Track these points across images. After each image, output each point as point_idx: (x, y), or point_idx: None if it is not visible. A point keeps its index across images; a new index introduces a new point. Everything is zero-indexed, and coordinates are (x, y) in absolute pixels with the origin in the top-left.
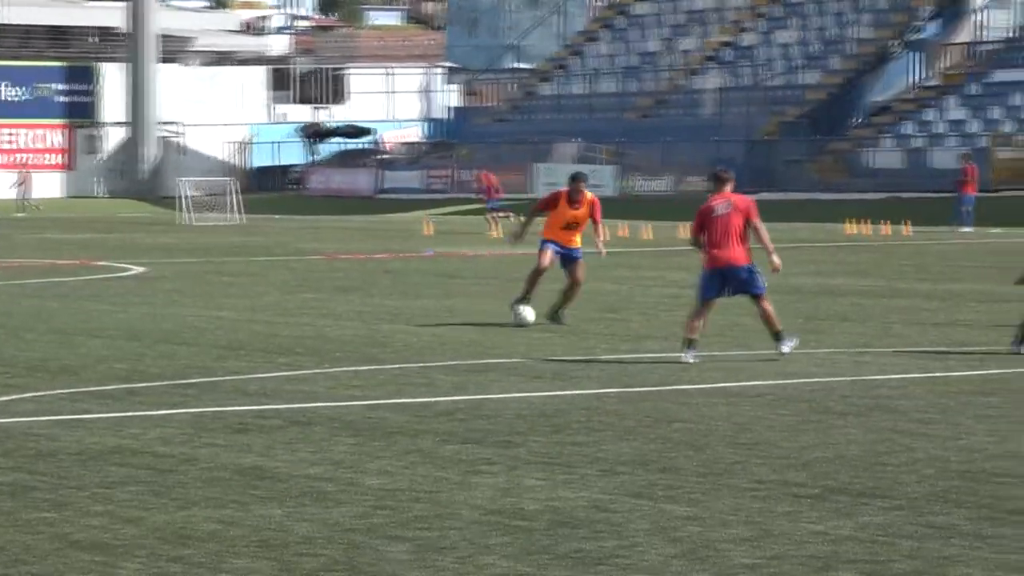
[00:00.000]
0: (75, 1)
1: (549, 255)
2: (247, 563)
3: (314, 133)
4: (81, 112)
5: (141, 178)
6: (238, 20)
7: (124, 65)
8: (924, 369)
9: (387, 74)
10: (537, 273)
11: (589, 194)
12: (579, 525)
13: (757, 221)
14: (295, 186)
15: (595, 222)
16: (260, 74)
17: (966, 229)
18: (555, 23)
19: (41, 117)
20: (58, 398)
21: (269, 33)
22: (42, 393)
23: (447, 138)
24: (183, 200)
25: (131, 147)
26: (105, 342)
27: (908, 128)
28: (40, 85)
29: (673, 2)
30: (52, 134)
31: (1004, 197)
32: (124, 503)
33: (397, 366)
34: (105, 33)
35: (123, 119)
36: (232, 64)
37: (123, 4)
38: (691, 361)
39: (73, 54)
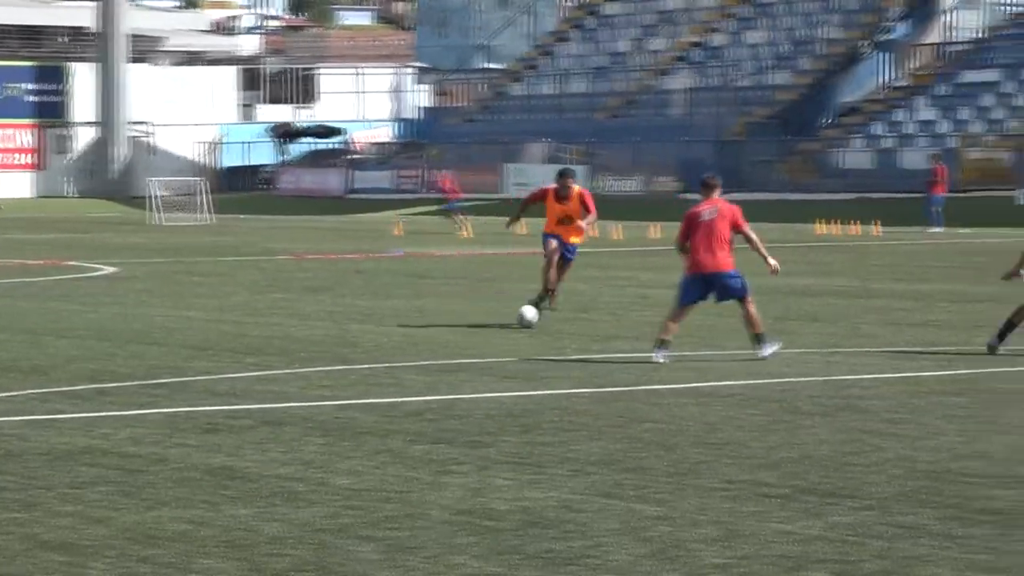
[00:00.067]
0: (45, 1)
1: (553, 244)
2: (216, 563)
3: (284, 133)
4: (51, 112)
5: (111, 178)
6: (208, 20)
7: (94, 65)
8: (894, 369)
9: (357, 74)
10: (549, 264)
11: (577, 188)
12: (549, 525)
13: (746, 229)
14: (265, 186)
15: (588, 211)
16: (230, 74)
17: (936, 229)
18: (525, 23)
19: (11, 117)
20: (28, 398)
21: (239, 33)
22: (12, 393)
23: (417, 138)
24: (153, 200)
25: (101, 147)
26: (75, 342)
27: (878, 128)
28: (10, 85)
29: (643, 2)
30: (22, 134)
31: (973, 197)
32: (93, 503)
33: (367, 366)
34: (75, 33)
35: (93, 119)
36: (202, 64)
37: (93, 4)
38: (661, 361)
39: (43, 54)
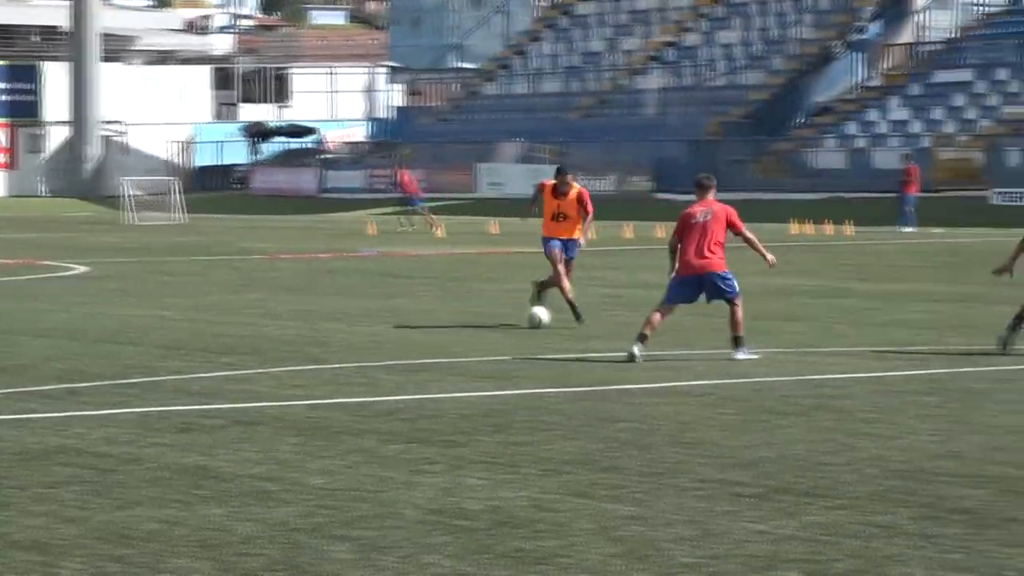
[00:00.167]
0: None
1: (556, 252)
2: (188, 563)
3: (257, 132)
4: (23, 111)
5: (84, 177)
6: (181, 19)
7: (67, 64)
8: (867, 369)
9: (330, 73)
10: (559, 276)
11: (576, 186)
12: (521, 524)
13: (743, 229)
14: (238, 185)
15: (585, 210)
16: (203, 73)
17: (908, 229)
18: (498, 23)
19: None
20: (0, 398)
21: (212, 32)
22: None
23: (390, 138)
24: (126, 199)
25: (74, 146)
26: (48, 342)
27: (851, 128)
28: None
29: (616, 2)
30: None
31: (946, 197)
32: (66, 503)
33: (339, 366)
34: (48, 32)
35: (66, 118)
36: (175, 63)
37: (66, 3)
38: (636, 352)
39: (15, 53)
